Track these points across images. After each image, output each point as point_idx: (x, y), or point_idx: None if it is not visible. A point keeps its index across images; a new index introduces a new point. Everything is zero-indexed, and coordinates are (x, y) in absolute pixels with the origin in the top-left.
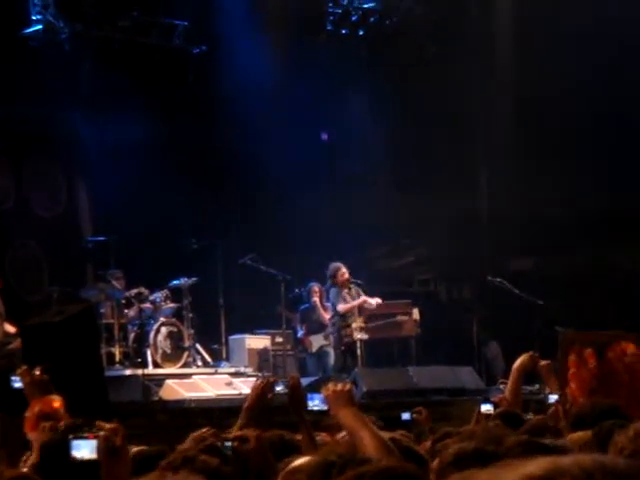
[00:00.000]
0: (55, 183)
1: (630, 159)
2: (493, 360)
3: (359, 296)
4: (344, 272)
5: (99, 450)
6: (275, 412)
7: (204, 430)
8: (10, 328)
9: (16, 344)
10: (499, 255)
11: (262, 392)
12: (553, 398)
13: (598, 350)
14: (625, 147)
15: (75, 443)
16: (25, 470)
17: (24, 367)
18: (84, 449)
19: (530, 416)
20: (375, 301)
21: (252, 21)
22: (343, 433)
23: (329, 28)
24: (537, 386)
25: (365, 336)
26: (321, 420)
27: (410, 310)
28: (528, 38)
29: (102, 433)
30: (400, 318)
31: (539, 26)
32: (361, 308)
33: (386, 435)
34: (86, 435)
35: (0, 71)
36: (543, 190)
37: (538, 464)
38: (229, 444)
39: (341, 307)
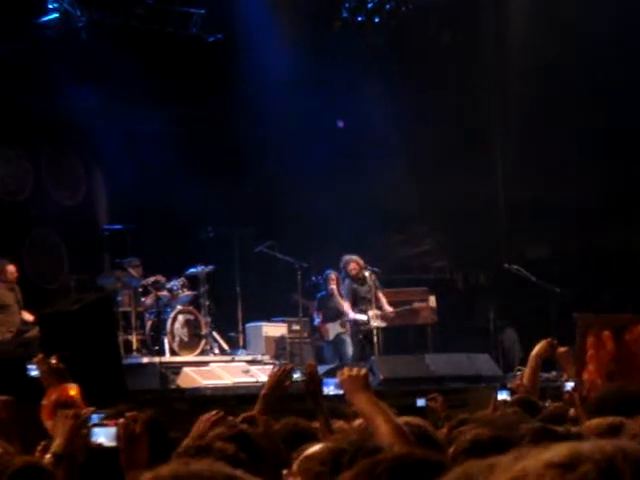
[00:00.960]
0: (73, 172)
1: None
2: (510, 347)
3: (375, 288)
4: (354, 267)
5: (119, 437)
6: (292, 400)
7: (213, 413)
8: (28, 316)
9: (34, 332)
10: (515, 242)
11: (279, 380)
12: (569, 385)
13: (615, 333)
14: None
15: (95, 430)
16: (46, 457)
17: (40, 355)
18: (104, 436)
19: (548, 403)
20: (389, 309)
21: (268, 10)
22: (360, 420)
23: (345, 15)
24: (554, 373)
25: (383, 324)
26: (338, 407)
27: (427, 297)
28: (542, 28)
29: (121, 420)
30: (417, 305)
31: (553, 17)
32: (376, 297)
33: (402, 420)
34: (106, 422)
35: (17, 60)
36: (559, 175)
37: (558, 450)
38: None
39: (345, 308)
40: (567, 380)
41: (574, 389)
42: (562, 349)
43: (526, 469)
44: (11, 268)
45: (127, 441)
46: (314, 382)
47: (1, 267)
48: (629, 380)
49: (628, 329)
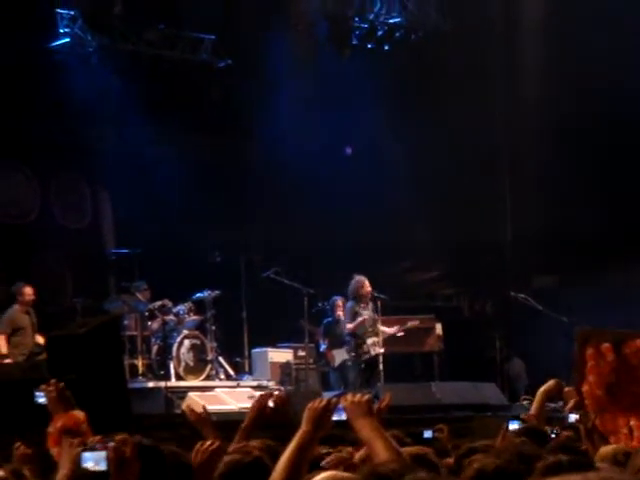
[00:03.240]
0: (80, 196)
1: None
2: (516, 376)
3: (376, 313)
4: (366, 285)
5: (108, 461)
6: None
7: (209, 443)
8: (40, 339)
9: (45, 355)
10: (522, 271)
11: (259, 412)
12: (573, 417)
13: (614, 346)
14: None
15: (85, 455)
16: None
17: (52, 381)
18: (93, 461)
19: (557, 431)
20: (393, 330)
21: (278, 36)
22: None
23: (355, 43)
24: (561, 403)
25: (381, 350)
26: (347, 434)
27: (433, 325)
28: (555, 53)
29: (111, 444)
30: (412, 324)
31: (565, 43)
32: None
33: (409, 450)
34: (96, 447)
35: (27, 84)
36: (567, 207)
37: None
38: None
39: (349, 326)
40: (570, 412)
41: (579, 421)
42: (568, 389)
43: None
44: (28, 290)
45: (117, 465)
46: (280, 412)
47: (19, 289)
48: (629, 392)
49: (627, 342)
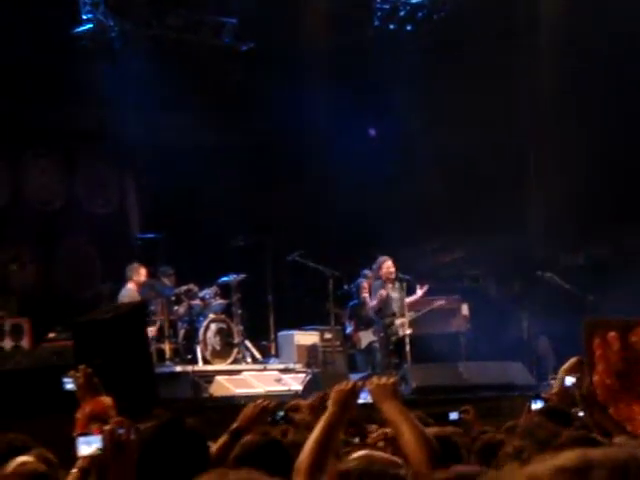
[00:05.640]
0: (106, 181)
1: None
2: (543, 355)
3: (403, 296)
4: (389, 265)
5: (104, 446)
6: None
7: (259, 401)
8: None
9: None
10: (548, 250)
11: (256, 418)
12: (569, 381)
13: (621, 334)
14: None
15: (82, 439)
16: (72, 472)
17: (81, 366)
18: (87, 445)
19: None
20: (416, 295)
21: (299, 17)
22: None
23: (377, 24)
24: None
25: (409, 331)
26: (372, 414)
27: (459, 306)
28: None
29: (106, 428)
30: (449, 313)
31: (585, 25)
32: (404, 305)
33: (433, 430)
34: (91, 431)
35: (51, 71)
36: (593, 185)
37: (568, 456)
38: (281, 413)
39: (372, 304)
40: (567, 374)
41: (574, 385)
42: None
43: (535, 473)
44: (143, 271)
45: (112, 449)
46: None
47: (135, 269)
48: (637, 382)
49: (633, 330)
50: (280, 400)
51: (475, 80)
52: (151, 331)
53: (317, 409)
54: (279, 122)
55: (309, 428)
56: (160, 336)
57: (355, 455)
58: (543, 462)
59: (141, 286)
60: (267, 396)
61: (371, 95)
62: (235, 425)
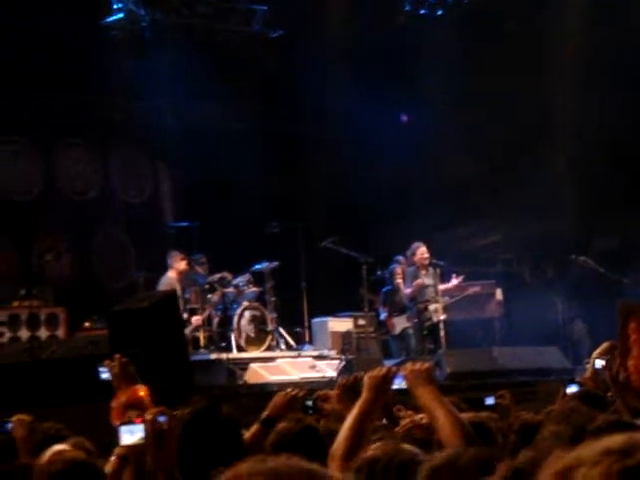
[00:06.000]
0: (140, 170)
1: None
2: (579, 339)
3: (437, 282)
4: (423, 251)
5: (146, 435)
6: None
7: (289, 390)
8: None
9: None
10: (582, 234)
11: (288, 405)
12: (599, 363)
13: None
14: None
15: (122, 429)
16: (111, 459)
17: (116, 356)
18: (130, 434)
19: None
20: (451, 284)
21: (330, 3)
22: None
23: (407, 9)
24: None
25: (443, 316)
26: (407, 399)
27: (494, 291)
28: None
29: (148, 417)
30: (484, 299)
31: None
32: (438, 291)
33: (468, 415)
34: (133, 420)
35: (83, 60)
36: (627, 168)
37: (615, 439)
38: (310, 402)
39: (407, 291)
40: (598, 357)
41: (604, 367)
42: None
43: (581, 456)
44: (182, 259)
45: (154, 438)
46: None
47: (175, 257)
48: None
49: None
50: (309, 389)
51: (509, 62)
52: (196, 320)
53: (344, 398)
54: (311, 108)
55: (339, 418)
56: (204, 324)
57: (380, 444)
58: (588, 445)
59: (181, 274)
60: (301, 383)
61: (405, 79)
62: (266, 414)
